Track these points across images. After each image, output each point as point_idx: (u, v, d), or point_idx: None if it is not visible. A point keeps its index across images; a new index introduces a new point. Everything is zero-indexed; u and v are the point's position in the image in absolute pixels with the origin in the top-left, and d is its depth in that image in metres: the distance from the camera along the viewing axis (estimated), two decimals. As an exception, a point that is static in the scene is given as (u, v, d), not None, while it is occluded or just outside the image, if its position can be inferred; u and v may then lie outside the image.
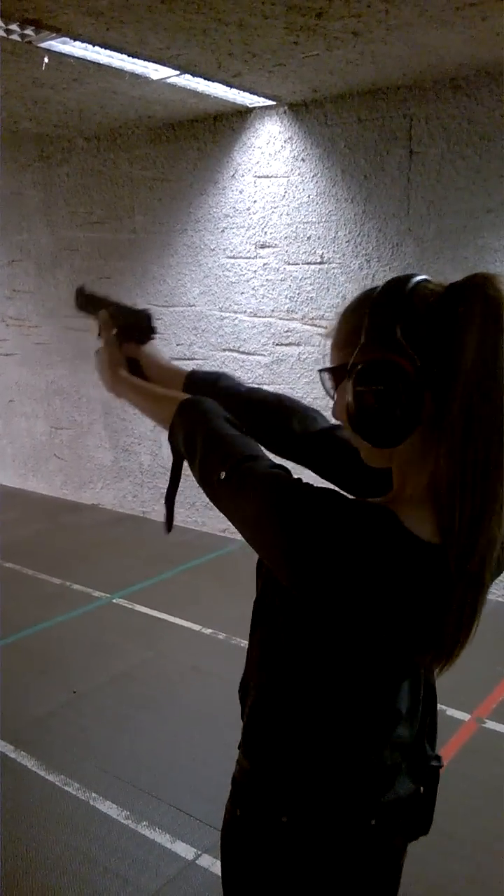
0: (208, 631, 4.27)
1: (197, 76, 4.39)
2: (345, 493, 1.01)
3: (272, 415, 1.36)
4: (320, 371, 1.08)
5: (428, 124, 4.41)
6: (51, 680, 3.81)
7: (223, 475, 1.04)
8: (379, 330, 0.95)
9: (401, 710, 1.14)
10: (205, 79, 4.45)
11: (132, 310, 1.46)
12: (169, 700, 3.61)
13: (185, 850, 2.63)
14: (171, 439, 1.19)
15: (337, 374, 1.03)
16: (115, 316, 1.43)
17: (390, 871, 1.25)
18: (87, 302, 1.53)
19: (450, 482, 0.91)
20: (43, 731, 3.36)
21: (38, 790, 2.95)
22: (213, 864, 2.55)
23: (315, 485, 0.99)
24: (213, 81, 4.50)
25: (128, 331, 1.43)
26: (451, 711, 3.36)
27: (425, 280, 0.98)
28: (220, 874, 2.47)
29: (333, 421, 1.30)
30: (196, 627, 4.33)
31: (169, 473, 1.26)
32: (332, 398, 1.06)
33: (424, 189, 4.48)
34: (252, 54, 4.00)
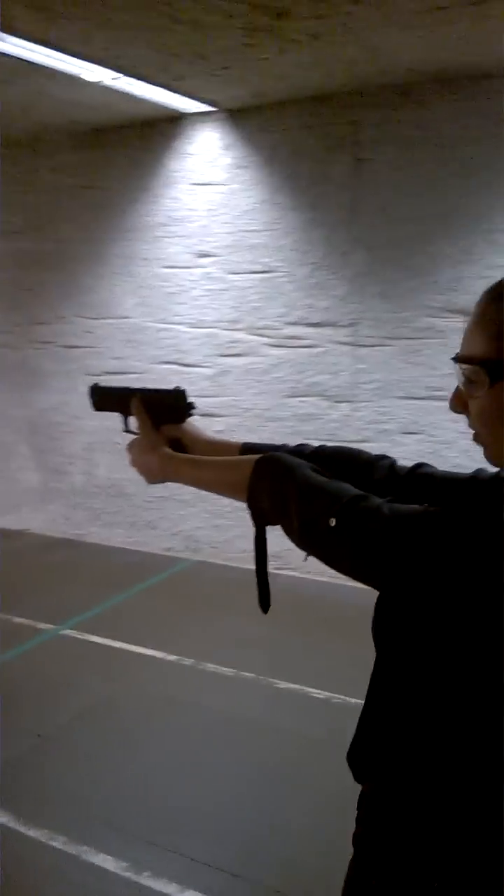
0: (172, 657, 4.06)
1: (138, 79, 4.21)
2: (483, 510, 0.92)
3: (350, 464, 1.24)
4: (460, 360, 0.94)
5: (376, 131, 4.40)
6: (8, 724, 3.50)
7: (333, 522, 0.93)
8: None
9: None
10: (145, 81, 4.28)
11: (163, 390, 1.37)
12: (146, 735, 3.38)
13: (197, 899, 2.43)
14: (253, 502, 1.07)
15: (497, 370, 0.90)
16: (146, 401, 1.34)
17: None
18: (105, 398, 1.43)
19: None
20: (11, 780, 3.06)
21: (19, 848, 2.67)
22: (233, 912, 2.37)
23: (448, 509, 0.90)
24: (153, 84, 4.34)
25: (163, 412, 1.34)
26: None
27: None
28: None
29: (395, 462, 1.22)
30: (158, 654, 4.10)
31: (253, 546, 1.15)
32: (470, 393, 0.95)
33: (373, 196, 4.47)
34: (200, 56, 3.87)
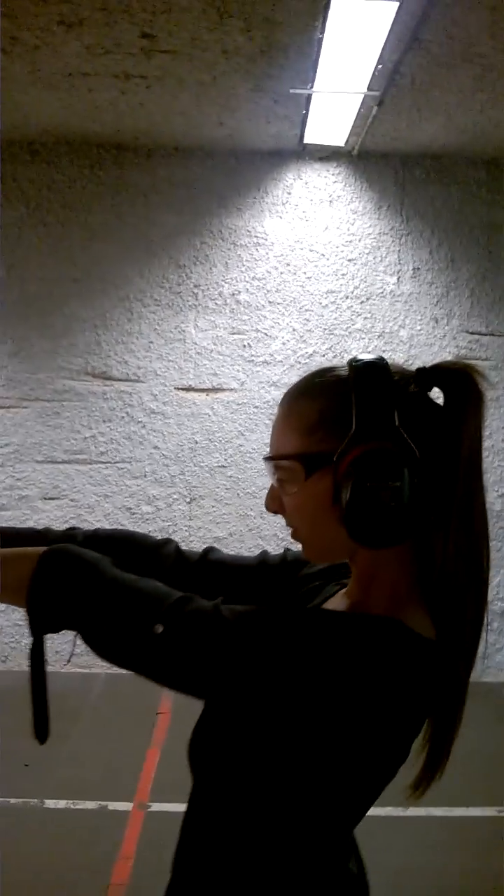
0: None
1: None
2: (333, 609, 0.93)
3: (133, 550, 1.14)
4: (274, 458, 0.92)
5: (3, 185, 4.22)
6: None
7: (160, 629, 0.83)
8: (375, 416, 0.85)
9: (355, 845, 1.04)
10: None
11: None
12: None
13: None
14: (36, 607, 0.88)
15: (312, 462, 0.88)
16: None
17: None
18: None
19: (459, 578, 0.87)
20: None
21: None
22: None
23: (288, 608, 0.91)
24: None
25: None
26: (112, 805, 3.13)
27: (386, 361, 0.93)
28: None
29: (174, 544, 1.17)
30: None
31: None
32: (285, 490, 0.92)
33: (3, 252, 4.25)
34: None
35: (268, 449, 0.96)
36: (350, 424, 0.85)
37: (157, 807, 3.13)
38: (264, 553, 1.16)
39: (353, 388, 0.87)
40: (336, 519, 0.86)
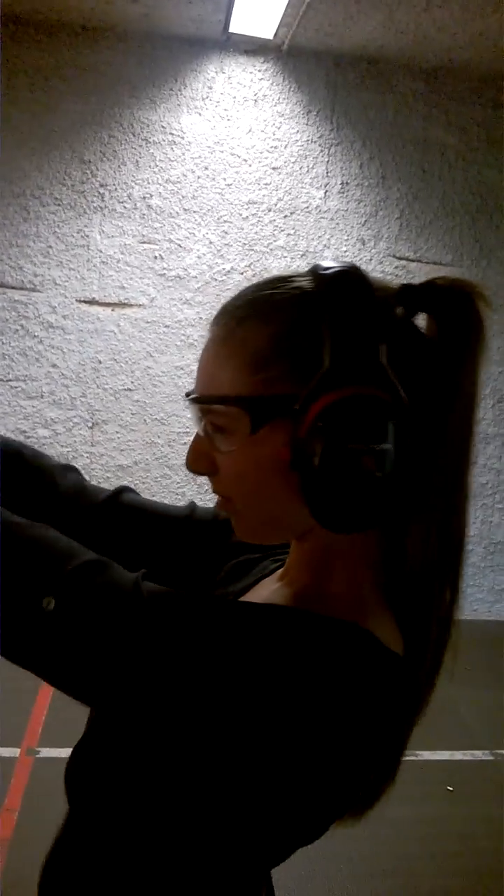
0: None
1: None
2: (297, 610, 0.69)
3: (20, 468, 0.89)
4: (206, 401, 0.68)
5: None
6: None
7: (52, 603, 0.61)
8: (355, 348, 0.62)
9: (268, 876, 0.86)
10: None
11: None
12: None
13: None
14: None
15: (263, 410, 0.64)
16: None
17: None
18: None
19: (437, 578, 0.69)
20: None
21: None
22: None
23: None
24: None
25: None
26: (-2, 752, 2.90)
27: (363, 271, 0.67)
28: None
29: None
30: None
31: None
32: (219, 446, 0.68)
33: None
34: None
35: (187, 377, 0.67)
36: (318, 359, 0.62)
37: (46, 752, 2.92)
38: (192, 505, 0.94)
39: (325, 308, 0.63)
40: (291, 491, 0.65)
